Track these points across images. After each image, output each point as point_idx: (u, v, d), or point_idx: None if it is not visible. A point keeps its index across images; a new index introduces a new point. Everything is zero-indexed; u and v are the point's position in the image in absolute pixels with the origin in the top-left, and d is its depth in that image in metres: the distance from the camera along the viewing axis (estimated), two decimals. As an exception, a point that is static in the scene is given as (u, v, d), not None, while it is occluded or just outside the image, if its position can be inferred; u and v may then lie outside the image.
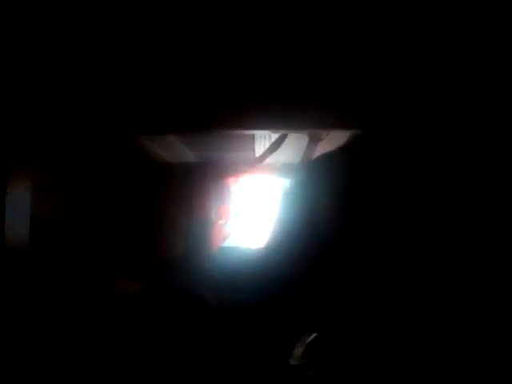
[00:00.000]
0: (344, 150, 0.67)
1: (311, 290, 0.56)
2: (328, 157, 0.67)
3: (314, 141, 1.60)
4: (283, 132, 1.49)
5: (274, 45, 1.12)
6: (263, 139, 1.75)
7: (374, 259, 0.52)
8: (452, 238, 0.50)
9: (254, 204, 2.34)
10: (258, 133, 1.56)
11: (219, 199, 2.28)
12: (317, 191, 0.60)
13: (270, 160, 1.93)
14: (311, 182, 0.63)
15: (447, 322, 0.50)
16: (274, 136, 1.64)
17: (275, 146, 1.70)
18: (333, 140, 1.51)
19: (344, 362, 0.53)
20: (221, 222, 2.29)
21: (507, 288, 0.49)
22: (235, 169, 2.21)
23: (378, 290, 0.51)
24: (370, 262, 0.52)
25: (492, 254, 0.49)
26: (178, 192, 2.22)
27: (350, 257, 0.53)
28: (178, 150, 1.97)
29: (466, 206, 0.50)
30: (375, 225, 0.53)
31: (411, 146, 0.57)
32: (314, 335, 0.63)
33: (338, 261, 0.54)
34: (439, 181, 0.53)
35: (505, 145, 0.53)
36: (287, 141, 1.65)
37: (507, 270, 0.49)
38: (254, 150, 1.92)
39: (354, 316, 0.52)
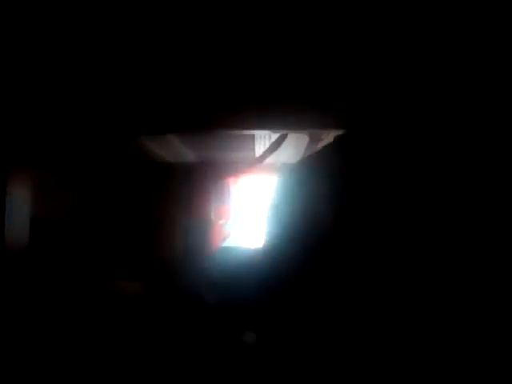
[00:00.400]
0: (328, 150, 0.68)
1: (308, 286, 0.56)
2: (314, 157, 0.68)
3: (314, 141, 1.60)
4: (283, 132, 1.49)
5: (275, 46, 1.12)
6: (263, 139, 1.75)
7: (365, 256, 0.52)
8: (443, 233, 0.51)
9: (253, 204, 2.34)
10: (257, 133, 1.57)
11: (219, 199, 2.28)
12: (307, 190, 0.60)
13: (270, 160, 1.93)
14: (301, 182, 0.64)
15: (443, 317, 0.50)
16: (274, 136, 1.65)
17: (275, 146, 1.71)
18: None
19: (343, 358, 0.53)
20: (221, 221, 2.29)
21: (506, 287, 0.49)
22: (235, 169, 2.21)
23: (371, 285, 0.52)
24: (362, 258, 0.53)
25: (481, 248, 0.50)
26: (178, 192, 2.22)
27: (343, 252, 0.53)
28: (177, 149, 1.97)
29: (454, 200, 0.51)
30: (366, 221, 0.54)
31: (400, 142, 0.58)
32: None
33: (332, 256, 0.54)
34: (429, 176, 0.53)
35: (484, 139, 0.53)
36: (287, 141, 1.65)
37: (503, 266, 0.49)
38: (254, 150, 1.92)
39: (350, 312, 0.53)
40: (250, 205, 2.35)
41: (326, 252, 0.55)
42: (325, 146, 0.75)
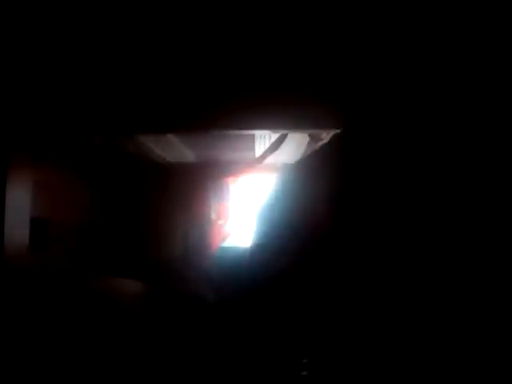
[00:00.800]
0: (326, 149, 0.68)
1: (299, 285, 0.56)
2: (311, 157, 0.68)
3: (314, 141, 1.60)
4: (283, 132, 1.49)
5: (275, 46, 1.12)
6: (263, 139, 1.75)
7: (361, 253, 0.52)
8: (440, 232, 0.51)
9: (253, 204, 2.34)
10: (257, 133, 1.57)
11: (219, 199, 2.28)
12: (303, 189, 0.60)
13: (269, 160, 1.93)
14: (297, 181, 0.64)
15: (438, 316, 0.50)
16: (274, 136, 1.65)
17: (275, 146, 1.71)
18: (333, 140, 1.51)
19: (337, 360, 0.53)
20: (220, 221, 2.29)
21: (506, 287, 0.49)
22: (235, 169, 2.21)
23: (366, 282, 0.52)
24: (358, 255, 0.53)
25: (478, 247, 0.50)
26: (178, 192, 2.22)
27: (339, 250, 0.53)
28: (177, 149, 1.97)
29: (441, 200, 0.51)
30: (363, 220, 0.53)
31: (398, 141, 0.58)
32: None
33: (322, 256, 0.54)
34: (426, 175, 0.53)
35: (479, 139, 0.53)
36: (287, 141, 1.65)
37: (502, 266, 0.49)
38: (254, 149, 1.92)
39: (342, 311, 0.53)
40: (250, 205, 2.35)
41: (320, 250, 0.55)
42: (322, 146, 0.75)
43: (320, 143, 1.63)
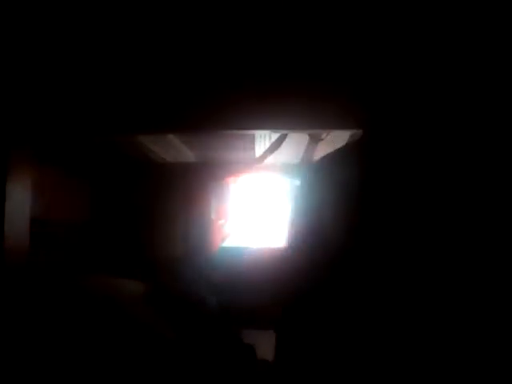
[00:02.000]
0: (345, 150, 0.67)
1: (321, 293, 0.55)
2: (330, 157, 0.66)
3: (314, 141, 1.60)
4: (283, 132, 1.49)
5: (274, 44, 1.12)
6: (263, 139, 1.75)
7: (379, 260, 0.52)
8: (454, 238, 0.50)
9: (253, 204, 2.34)
10: (257, 133, 1.57)
11: (219, 199, 2.28)
12: (321, 193, 0.59)
13: (270, 160, 1.94)
14: (315, 184, 0.63)
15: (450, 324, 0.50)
16: (274, 136, 1.65)
17: (275, 146, 1.71)
18: (333, 140, 1.51)
19: (352, 363, 0.52)
20: (221, 221, 2.29)
21: (507, 288, 0.49)
22: (235, 169, 2.21)
23: (384, 291, 0.51)
24: (375, 263, 0.52)
25: (493, 255, 0.49)
26: (178, 192, 2.22)
27: (357, 258, 0.52)
28: (177, 150, 1.97)
29: (466, 205, 0.50)
30: (381, 226, 0.53)
31: (413, 145, 0.57)
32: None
33: (345, 262, 0.53)
34: (441, 180, 0.52)
35: (505, 144, 0.52)
36: (287, 141, 1.65)
37: (507, 271, 0.49)
38: (254, 149, 1.92)
39: (362, 317, 0.52)
40: (250, 205, 2.35)
41: (340, 258, 0.54)
42: (347, 144, 0.72)
43: (320, 143, 1.63)
